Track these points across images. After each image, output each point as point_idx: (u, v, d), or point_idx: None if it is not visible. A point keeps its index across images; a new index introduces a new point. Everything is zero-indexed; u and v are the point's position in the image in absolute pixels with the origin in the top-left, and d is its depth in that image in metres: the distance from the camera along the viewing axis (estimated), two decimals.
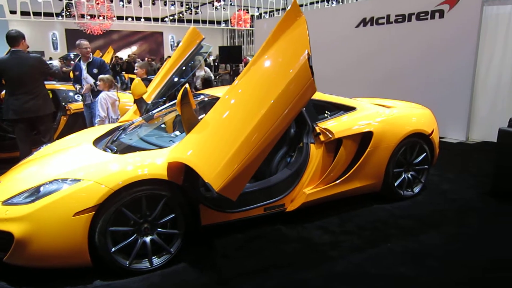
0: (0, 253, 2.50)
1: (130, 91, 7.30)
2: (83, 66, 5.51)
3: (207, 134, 2.66)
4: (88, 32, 17.34)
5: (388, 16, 7.37)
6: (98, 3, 17.09)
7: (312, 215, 3.53)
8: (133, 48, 29.38)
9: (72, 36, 27.51)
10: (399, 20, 7.21)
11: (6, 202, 2.58)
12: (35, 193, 2.55)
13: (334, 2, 21.72)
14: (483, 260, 2.85)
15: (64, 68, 13.03)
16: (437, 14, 6.57)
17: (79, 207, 2.44)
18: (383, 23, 7.50)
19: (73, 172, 2.67)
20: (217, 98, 3.67)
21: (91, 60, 5.52)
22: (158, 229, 2.74)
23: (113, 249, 2.56)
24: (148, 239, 2.69)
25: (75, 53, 24.72)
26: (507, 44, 6.10)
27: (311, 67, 2.43)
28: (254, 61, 2.80)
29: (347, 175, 3.54)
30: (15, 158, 5.30)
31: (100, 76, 5.04)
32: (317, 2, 20.99)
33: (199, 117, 3.00)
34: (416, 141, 3.85)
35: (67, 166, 2.87)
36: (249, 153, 2.40)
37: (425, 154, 3.94)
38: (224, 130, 2.62)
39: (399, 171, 3.85)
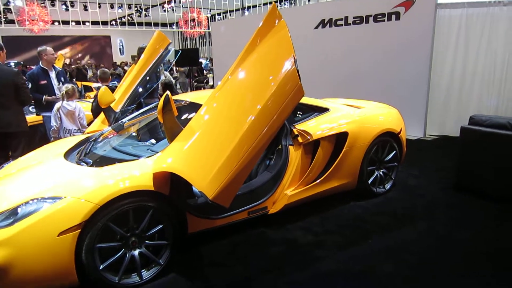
0: None
1: (86, 99, 7.05)
2: (52, 75, 5.27)
3: (194, 142, 2.62)
4: (29, 30, 16.26)
5: (346, 18, 7.60)
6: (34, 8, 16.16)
7: (294, 216, 3.58)
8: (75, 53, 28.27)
9: (9, 44, 25.85)
10: (357, 21, 7.45)
11: None
12: (12, 215, 2.38)
13: (286, 4, 22.15)
14: (456, 253, 3.01)
15: None
16: (393, 16, 6.85)
17: (63, 226, 2.31)
18: (341, 25, 7.73)
19: (51, 190, 2.53)
20: (188, 103, 3.66)
21: (58, 70, 5.38)
22: (146, 241, 2.66)
23: (101, 266, 2.46)
24: (136, 252, 2.62)
25: (15, 61, 23.19)
26: (458, 45, 6.54)
27: (297, 70, 2.48)
28: (236, 67, 2.80)
29: (325, 175, 3.63)
30: None
31: (65, 86, 4.81)
32: (270, 3, 21.30)
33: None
34: (387, 139, 4.03)
35: (43, 183, 2.71)
36: (241, 159, 2.40)
37: (394, 152, 4.13)
38: (212, 137, 2.59)
39: (372, 169, 4.01)
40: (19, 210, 2.41)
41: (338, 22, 7.75)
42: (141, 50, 5.18)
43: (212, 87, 13.99)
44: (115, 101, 4.18)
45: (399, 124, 4.23)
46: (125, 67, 15.81)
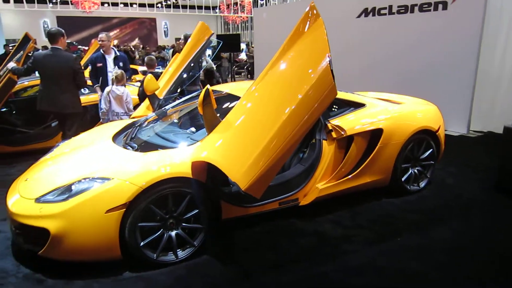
0: (36, 247, 2.62)
1: (132, 83, 7.40)
2: (109, 59, 5.64)
3: (231, 134, 2.78)
4: (80, 8, 17.08)
5: (391, 7, 7.41)
6: None
7: (324, 209, 3.67)
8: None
9: (63, 23, 27.19)
10: (401, 11, 7.25)
11: (39, 200, 2.69)
12: (67, 191, 2.67)
13: None
14: (490, 254, 3.00)
15: None
16: (440, 6, 6.61)
17: (110, 205, 2.56)
18: (385, 14, 7.55)
19: (101, 171, 2.78)
20: (226, 95, 3.81)
21: (117, 54, 5.71)
22: (183, 224, 2.87)
23: (142, 243, 2.70)
24: (173, 233, 2.83)
25: (68, 41, 24.36)
26: (509, 38, 6.22)
27: (331, 71, 2.55)
28: (273, 63, 2.89)
29: (357, 171, 3.68)
30: (26, 152, 5.42)
31: (115, 71, 5.12)
32: None
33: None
34: (424, 137, 3.99)
35: (94, 164, 2.98)
36: (274, 153, 2.52)
37: (431, 150, 4.09)
38: (248, 131, 2.73)
39: (406, 167, 3.99)
40: (73, 187, 2.69)
41: (382, 11, 7.58)
42: (187, 38, 5.38)
43: (251, 73, 14.10)
44: (159, 89, 4.41)
45: (437, 121, 4.16)
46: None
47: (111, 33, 27.37)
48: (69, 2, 18.58)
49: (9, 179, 4.57)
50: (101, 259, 2.71)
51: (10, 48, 13.08)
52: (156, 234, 2.77)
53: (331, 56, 2.54)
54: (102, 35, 5.57)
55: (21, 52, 5.26)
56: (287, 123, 2.55)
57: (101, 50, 5.70)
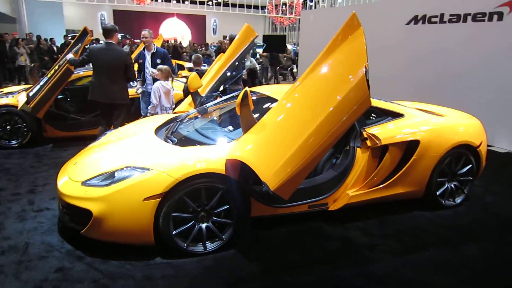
0: (79, 226, 2.87)
1: (177, 78, 7.70)
2: (147, 55, 5.87)
3: (265, 135, 2.88)
4: (135, 1, 17.92)
5: (442, 15, 7.19)
6: None
7: (353, 215, 3.69)
8: (183, 32, 30.09)
9: (119, 16, 28.61)
10: (453, 20, 7.01)
11: (85, 183, 2.94)
12: (110, 178, 2.89)
13: None
14: None
15: None
16: (495, 16, 6.34)
17: (148, 193, 2.75)
18: (436, 22, 7.34)
19: (142, 161, 2.99)
20: (266, 97, 3.91)
21: (155, 50, 5.87)
22: (213, 217, 3.02)
23: (174, 232, 2.87)
24: (204, 225, 2.98)
25: (122, 34, 25.56)
26: None
27: (367, 81, 2.58)
28: (312, 68, 2.96)
29: (390, 181, 3.66)
30: (77, 137, 5.83)
31: (159, 67, 5.36)
32: None
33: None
34: (463, 152, 3.90)
35: (136, 154, 3.21)
36: (305, 157, 2.60)
37: (470, 165, 3.98)
38: (281, 133, 2.83)
39: (443, 181, 3.92)
40: (116, 174, 2.91)
41: (433, 19, 7.37)
42: (232, 39, 5.53)
43: (295, 75, 14.13)
44: (202, 87, 4.60)
45: (479, 137, 4.04)
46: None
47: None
48: None
49: (61, 162, 4.98)
50: (136, 243, 2.91)
51: (70, 39, 13.97)
52: (188, 225, 2.93)
53: (368, 66, 2.58)
54: (144, 32, 5.79)
55: (79, 44, 5.65)
56: (319, 129, 2.62)
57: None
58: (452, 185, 4.00)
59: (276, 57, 13.40)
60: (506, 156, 6.10)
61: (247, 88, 3.01)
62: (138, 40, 20.37)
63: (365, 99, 2.55)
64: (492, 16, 6.36)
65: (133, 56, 9.52)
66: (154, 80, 5.69)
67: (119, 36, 24.18)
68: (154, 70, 5.67)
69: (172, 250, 2.93)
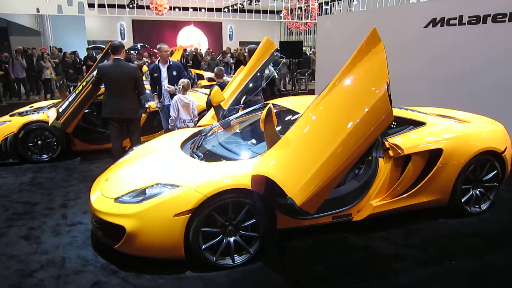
0: (113, 241, 3.00)
1: (197, 89, 7.84)
2: (163, 69, 5.97)
3: (289, 150, 2.96)
4: (154, 10, 18.32)
5: (461, 17, 7.10)
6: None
7: (378, 225, 3.72)
8: (200, 40, 30.54)
9: (138, 26, 29.24)
10: (472, 21, 6.92)
11: (118, 200, 3.08)
12: (141, 194, 3.02)
13: None
14: None
15: (136, 62, 13.98)
16: None
17: (178, 209, 2.86)
18: (454, 24, 7.26)
19: (171, 177, 3.11)
20: (286, 110, 3.98)
21: (170, 63, 5.96)
22: (241, 231, 3.10)
23: (203, 247, 2.97)
24: (232, 239, 3.07)
25: (141, 44, 26.09)
26: None
27: (389, 96, 2.63)
28: (333, 85, 3.02)
29: (414, 190, 3.67)
30: (103, 150, 6.02)
31: (182, 80, 5.50)
32: None
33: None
34: (487, 158, 3.88)
35: (164, 170, 3.33)
36: (330, 172, 2.66)
37: (495, 171, 3.96)
38: (306, 149, 2.89)
39: (467, 188, 3.91)
40: (147, 191, 3.04)
41: (451, 22, 7.28)
42: (251, 51, 5.62)
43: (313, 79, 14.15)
44: (224, 100, 4.71)
45: (504, 142, 4.01)
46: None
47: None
48: (144, 7, 19.96)
49: (90, 175, 5.20)
50: (167, 257, 3.03)
51: (93, 52, 14.38)
52: (217, 239, 3.03)
53: (389, 82, 2.62)
54: (164, 46, 5.87)
55: (105, 61, 5.84)
56: (343, 144, 2.67)
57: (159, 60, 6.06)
58: (477, 192, 3.98)
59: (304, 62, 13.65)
60: None
61: (270, 105, 3.09)
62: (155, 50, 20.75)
63: (388, 114, 2.60)
64: None
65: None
66: (172, 94, 5.80)
67: (139, 45, 24.73)
68: (170, 86, 5.78)
69: (201, 264, 3.03)
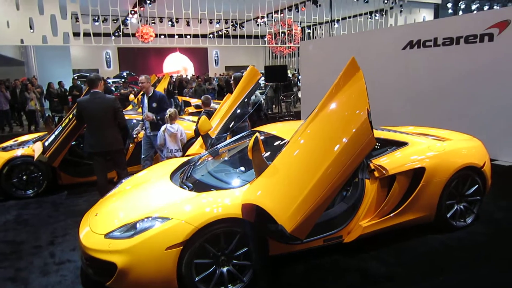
0: (104, 278, 2.98)
1: (184, 116, 7.90)
2: (145, 100, 5.90)
3: (277, 178, 3.02)
4: (139, 39, 18.57)
5: (436, 39, 7.46)
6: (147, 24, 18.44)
7: (368, 245, 3.77)
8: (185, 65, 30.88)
9: (124, 54, 29.47)
10: (446, 43, 7.28)
11: (108, 235, 3.07)
12: (132, 229, 3.02)
13: (377, 15, 21.76)
14: None
15: (122, 90, 14.04)
16: (486, 38, 6.61)
17: (170, 243, 2.87)
18: (430, 46, 7.60)
19: (161, 210, 3.12)
20: (272, 136, 4.07)
21: (151, 94, 5.86)
22: (233, 260, 3.12)
23: (196, 278, 2.97)
24: (225, 269, 3.08)
25: (127, 72, 26.20)
26: None
27: (370, 122, 2.73)
28: (316, 113, 3.12)
29: (400, 209, 3.76)
30: (91, 183, 5.97)
31: (169, 110, 5.55)
32: (360, 15, 21.16)
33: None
34: (468, 173, 4.01)
35: (154, 202, 3.35)
36: (318, 198, 2.73)
37: (477, 186, 4.08)
38: (293, 176, 2.96)
39: (452, 203, 4.01)
40: (137, 225, 3.04)
41: (427, 43, 7.64)
42: (237, 79, 5.73)
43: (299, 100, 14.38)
44: (212, 129, 4.78)
45: (482, 157, 4.16)
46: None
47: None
48: (130, 35, 20.22)
49: (77, 209, 5.15)
50: None
51: (78, 82, 14.41)
52: (210, 270, 3.03)
53: (369, 108, 2.74)
54: (141, 78, 5.82)
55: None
56: (329, 170, 2.75)
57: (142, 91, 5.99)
58: (462, 206, 4.09)
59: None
60: (510, 169, 6.18)
61: (257, 134, 3.17)
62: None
63: (369, 140, 2.70)
64: (483, 37, 6.62)
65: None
66: (151, 123, 5.76)
67: (125, 73, 24.79)
68: (148, 114, 5.72)
69: None
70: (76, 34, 15.03)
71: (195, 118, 6.71)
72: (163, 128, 5.54)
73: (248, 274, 3.15)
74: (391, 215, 3.75)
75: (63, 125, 5.74)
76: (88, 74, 23.49)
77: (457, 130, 4.96)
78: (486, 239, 3.86)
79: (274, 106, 15.08)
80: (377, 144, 4.04)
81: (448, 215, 4.00)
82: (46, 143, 5.69)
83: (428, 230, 4.03)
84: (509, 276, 3.25)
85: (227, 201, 3.15)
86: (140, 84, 5.91)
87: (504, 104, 6.44)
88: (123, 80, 17.28)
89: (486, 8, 24.60)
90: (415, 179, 3.81)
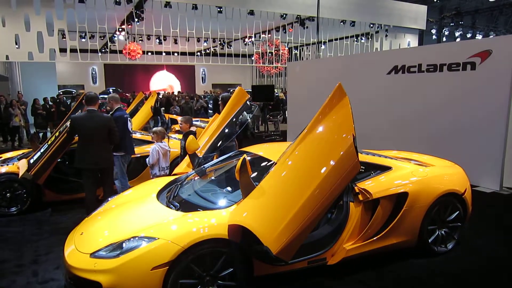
0: None
1: (171, 134, 7.92)
2: None
3: (264, 200, 3.08)
4: (126, 56, 18.67)
5: (420, 65, 7.70)
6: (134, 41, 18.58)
7: (351, 268, 3.82)
8: (172, 83, 30.97)
9: (110, 70, 29.44)
10: (430, 69, 7.52)
11: (94, 255, 3.06)
12: (118, 248, 3.02)
13: (363, 39, 22.38)
14: None
15: (108, 107, 13.95)
16: (468, 66, 6.84)
17: (156, 262, 2.88)
18: (414, 72, 7.84)
19: (148, 230, 3.13)
20: (258, 157, 4.14)
21: (111, 113, 5.70)
22: (218, 281, 3.13)
23: None
24: None
25: (113, 88, 26.10)
26: None
27: (356, 147, 2.83)
28: (304, 135, 3.21)
29: (384, 232, 3.83)
30: (75, 200, 5.91)
31: (154, 129, 5.60)
32: (346, 38, 21.73)
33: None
34: (450, 200, 4.12)
35: (140, 222, 3.36)
36: (303, 221, 2.79)
37: (458, 212, 4.19)
38: (280, 198, 3.02)
39: (433, 228, 4.11)
40: (123, 245, 3.04)
41: (411, 69, 7.89)
42: (224, 99, 5.82)
43: (285, 120, 14.56)
44: (199, 148, 4.83)
45: (463, 184, 4.29)
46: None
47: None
48: (117, 51, 20.27)
49: (61, 227, 5.09)
50: None
51: (63, 97, 14.29)
52: None
53: (355, 134, 2.84)
54: (108, 97, 5.80)
55: (79, 111, 5.88)
56: (315, 194, 2.83)
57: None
58: (443, 232, 4.18)
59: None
60: (491, 196, 6.34)
61: (245, 156, 3.24)
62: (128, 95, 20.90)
63: (354, 165, 2.79)
64: (465, 66, 6.87)
65: (129, 110, 9.79)
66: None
67: (111, 89, 24.70)
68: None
69: None
70: (63, 50, 15.04)
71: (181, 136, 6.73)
72: (154, 146, 5.54)
73: None
74: (375, 238, 3.82)
75: (49, 142, 5.71)
76: (73, 90, 23.13)
77: (439, 154, 5.13)
78: (466, 266, 3.94)
79: (260, 124, 15.23)
80: (361, 167, 4.16)
81: (430, 240, 4.09)
82: (31, 160, 5.64)
83: (410, 254, 4.09)
84: None
85: (213, 221, 3.18)
86: (109, 104, 5.82)
87: (485, 130, 6.65)
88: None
89: (469, 35, 25.62)
90: (398, 203, 3.91)
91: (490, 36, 25.47)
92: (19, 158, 6.26)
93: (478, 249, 4.33)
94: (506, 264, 4.01)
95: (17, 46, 13.60)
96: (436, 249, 4.12)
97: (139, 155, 6.57)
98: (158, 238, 2.99)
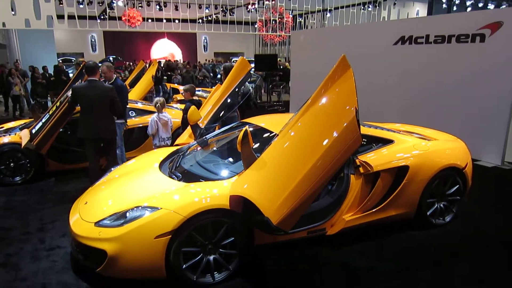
0: (94, 265, 3.05)
1: (172, 104, 7.90)
2: None
3: (265, 171, 3.10)
4: (126, 23, 18.30)
5: (428, 36, 7.51)
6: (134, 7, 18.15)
7: (350, 239, 3.90)
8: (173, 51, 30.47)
9: (109, 38, 28.93)
10: (438, 41, 7.34)
11: (98, 224, 3.13)
12: (122, 218, 3.08)
13: (370, 7, 21.79)
14: None
15: None
16: (478, 38, 6.66)
17: (159, 231, 2.95)
18: (422, 43, 7.67)
19: (151, 199, 3.19)
20: (260, 128, 4.13)
21: (112, 81, 5.71)
22: (220, 249, 3.21)
23: (184, 266, 3.06)
24: (211, 257, 3.18)
25: (114, 56, 25.66)
26: None
27: (358, 121, 2.82)
28: (305, 109, 3.19)
29: (383, 204, 3.89)
30: (78, 169, 5.98)
31: (157, 99, 5.57)
32: (353, 6, 21.13)
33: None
34: (450, 174, 4.14)
35: (143, 191, 3.41)
36: (304, 192, 2.81)
37: (458, 186, 4.23)
38: (281, 169, 3.04)
39: (432, 201, 4.15)
40: (127, 214, 3.10)
41: (419, 40, 7.72)
42: (226, 69, 5.76)
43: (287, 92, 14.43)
44: (201, 118, 4.82)
45: (464, 158, 4.29)
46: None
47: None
48: (116, 18, 19.85)
49: (65, 196, 5.17)
50: (149, 278, 3.10)
51: (64, 65, 14.12)
52: (197, 258, 3.12)
53: (358, 107, 2.82)
54: (102, 67, 5.66)
55: (80, 80, 5.84)
56: (316, 166, 2.84)
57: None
58: (442, 205, 4.23)
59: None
60: (493, 171, 6.37)
61: (247, 127, 3.24)
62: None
63: (356, 138, 2.79)
64: (474, 37, 6.70)
65: (129, 80, 9.70)
66: None
67: (111, 58, 24.34)
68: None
69: (183, 282, 3.12)
70: (60, 17, 14.69)
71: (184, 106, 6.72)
72: (153, 116, 5.55)
73: (234, 262, 3.26)
74: (374, 210, 3.88)
75: (51, 112, 5.69)
76: (72, 58, 22.69)
77: (443, 128, 5.10)
78: (462, 238, 4.01)
79: (264, 93, 15.11)
80: (363, 140, 4.16)
81: (428, 213, 4.14)
82: (33, 130, 5.64)
83: (409, 226, 4.16)
84: (482, 274, 3.41)
85: (215, 191, 3.22)
86: (103, 74, 5.72)
87: (490, 105, 6.57)
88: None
89: (480, 4, 24.81)
90: (398, 176, 3.93)
91: (502, 7, 24.71)
92: (21, 128, 6.27)
93: (477, 223, 4.39)
94: (504, 238, 4.07)
95: (13, 13, 13.30)
96: (434, 222, 4.18)
97: (141, 125, 6.60)
98: (161, 208, 3.04)
